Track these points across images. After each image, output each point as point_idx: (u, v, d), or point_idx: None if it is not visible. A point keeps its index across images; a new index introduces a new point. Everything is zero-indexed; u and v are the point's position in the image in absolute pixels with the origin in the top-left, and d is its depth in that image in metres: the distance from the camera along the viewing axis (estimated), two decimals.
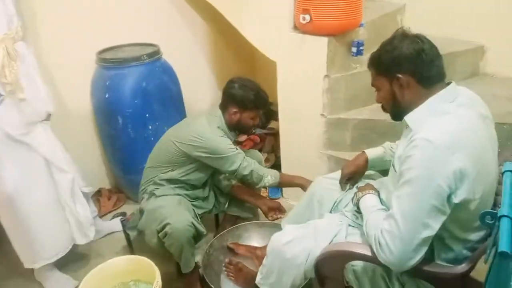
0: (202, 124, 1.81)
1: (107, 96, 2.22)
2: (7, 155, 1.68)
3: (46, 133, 1.82)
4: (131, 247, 2.06)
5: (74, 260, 2.10)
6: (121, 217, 2.34)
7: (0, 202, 1.73)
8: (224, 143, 1.79)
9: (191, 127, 1.83)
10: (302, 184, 1.89)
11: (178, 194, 1.85)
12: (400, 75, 1.18)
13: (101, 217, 2.39)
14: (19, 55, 1.65)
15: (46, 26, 2.14)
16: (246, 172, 1.83)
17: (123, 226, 2.02)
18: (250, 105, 1.82)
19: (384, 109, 1.33)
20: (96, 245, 2.20)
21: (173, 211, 1.73)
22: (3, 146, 1.66)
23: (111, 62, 2.22)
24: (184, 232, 1.67)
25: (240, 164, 1.81)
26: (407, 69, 1.17)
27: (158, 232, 1.71)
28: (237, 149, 1.84)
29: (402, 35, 1.21)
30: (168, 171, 1.87)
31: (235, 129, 1.92)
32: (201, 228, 1.76)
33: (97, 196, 2.57)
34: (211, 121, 1.83)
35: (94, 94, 2.33)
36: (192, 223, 1.70)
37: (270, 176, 1.88)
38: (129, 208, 2.49)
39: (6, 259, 2.09)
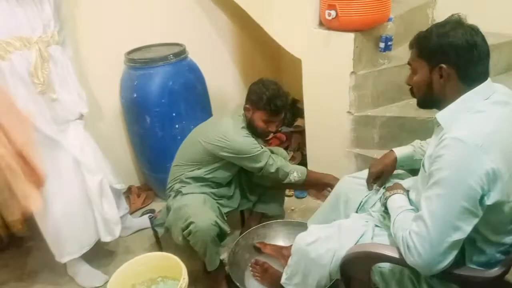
0: (227, 124, 1.82)
1: (135, 95, 2.26)
2: (37, 152, 1.73)
3: (78, 132, 1.87)
4: (159, 244, 2.09)
5: (105, 255, 2.16)
6: (149, 214, 2.39)
7: None
8: (248, 142, 1.79)
9: (217, 127, 1.84)
10: (330, 183, 1.86)
11: (204, 193, 1.86)
12: (443, 66, 1.10)
13: (130, 214, 2.44)
14: (53, 58, 1.71)
15: (76, 28, 2.20)
16: (272, 170, 1.83)
17: (152, 223, 2.06)
18: (260, 104, 1.78)
19: (412, 93, 1.25)
20: (125, 242, 2.25)
21: (198, 210, 1.74)
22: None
23: (138, 62, 2.26)
24: (208, 231, 1.68)
25: (266, 162, 1.82)
26: (453, 61, 1.09)
27: (183, 230, 1.72)
28: (262, 147, 1.83)
29: (457, 22, 1.11)
30: (194, 170, 1.88)
31: (251, 129, 1.87)
32: (226, 227, 1.77)
33: (127, 193, 2.62)
34: (236, 121, 1.84)
35: (122, 94, 2.38)
36: (216, 222, 1.70)
37: (296, 173, 1.88)
38: (157, 206, 2.54)
39: (40, 254, 2.17)
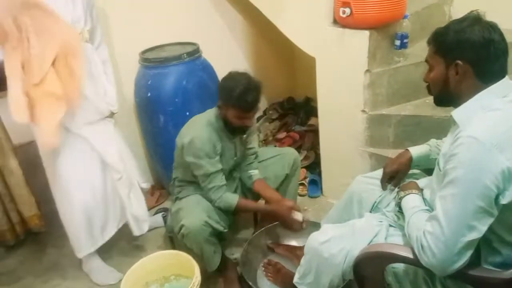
0: (195, 121, 1.81)
1: (149, 95, 2.28)
2: (64, 148, 1.76)
3: (106, 130, 1.90)
4: (173, 242, 2.11)
5: (119, 253, 2.19)
6: (163, 212, 2.41)
7: (56, 190, 1.85)
8: (199, 146, 1.72)
9: (187, 125, 1.83)
10: (279, 215, 1.80)
11: (199, 194, 1.85)
12: (459, 62, 1.09)
13: None
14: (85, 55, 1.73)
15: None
16: (206, 185, 1.78)
17: (165, 222, 2.07)
18: (232, 102, 1.66)
19: (429, 90, 1.24)
20: (139, 240, 2.27)
21: (189, 212, 1.74)
22: (62, 139, 1.73)
23: (152, 61, 2.28)
24: (199, 232, 1.67)
25: (205, 174, 1.76)
26: (469, 57, 1.08)
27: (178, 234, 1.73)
28: (213, 162, 1.76)
29: (475, 19, 1.10)
30: (185, 170, 1.87)
31: (226, 125, 1.79)
32: (219, 226, 1.74)
33: None
34: (204, 119, 1.79)
35: (137, 93, 2.40)
36: (207, 222, 1.68)
37: (223, 204, 1.79)
38: (170, 204, 2.55)
39: (56, 250, 2.21)
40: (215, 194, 1.79)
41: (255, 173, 1.98)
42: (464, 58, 1.09)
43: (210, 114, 1.83)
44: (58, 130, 1.65)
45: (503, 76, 1.10)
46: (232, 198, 1.80)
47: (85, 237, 1.90)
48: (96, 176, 1.86)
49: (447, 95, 1.16)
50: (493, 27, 1.08)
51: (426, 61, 1.22)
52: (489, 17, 1.14)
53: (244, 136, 1.92)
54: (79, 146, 1.80)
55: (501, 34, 1.08)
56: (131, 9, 2.35)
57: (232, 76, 1.72)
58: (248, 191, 2.02)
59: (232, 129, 1.80)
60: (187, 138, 1.73)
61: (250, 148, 2.00)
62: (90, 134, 1.81)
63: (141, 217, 2.02)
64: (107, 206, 1.93)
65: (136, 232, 2.02)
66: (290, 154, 2.07)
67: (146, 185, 2.13)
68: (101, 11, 2.21)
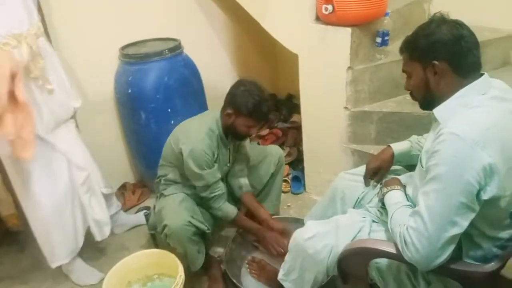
0: (195, 128, 1.77)
1: (130, 91, 2.24)
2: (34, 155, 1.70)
3: (70, 132, 1.84)
4: (155, 240, 2.08)
5: (100, 253, 2.15)
6: (145, 211, 2.38)
7: (25, 201, 1.78)
8: (201, 158, 1.70)
9: (185, 129, 1.80)
10: (263, 237, 1.83)
11: (184, 193, 1.84)
12: (436, 62, 1.12)
13: (125, 211, 2.43)
14: (42, 51, 1.67)
15: (70, 23, 2.17)
16: (208, 195, 1.78)
17: (147, 220, 2.05)
18: (245, 112, 1.67)
19: (413, 97, 1.27)
20: (121, 239, 2.24)
21: (171, 211, 1.73)
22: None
23: (133, 57, 2.24)
24: (182, 232, 1.66)
25: (206, 184, 1.75)
26: (444, 56, 1.11)
27: (161, 233, 1.72)
28: (213, 171, 1.75)
29: (441, 20, 1.14)
30: (174, 170, 1.86)
31: (229, 132, 1.79)
32: (202, 225, 1.74)
33: (122, 190, 2.61)
34: (204, 126, 1.76)
35: (117, 90, 2.36)
36: (190, 222, 1.68)
37: (221, 212, 1.82)
38: (153, 202, 2.48)
39: (35, 251, 2.15)
40: (216, 203, 1.79)
41: (245, 183, 1.98)
42: (439, 58, 1.12)
43: (210, 119, 1.80)
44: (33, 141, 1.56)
45: (479, 69, 1.13)
46: (232, 212, 1.83)
47: (57, 247, 1.84)
48: (64, 182, 1.79)
49: (431, 97, 1.18)
50: (459, 24, 1.13)
51: (404, 70, 1.25)
52: (466, 16, 1.17)
53: (241, 142, 1.93)
54: (45, 152, 1.72)
55: (468, 29, 1.12)
56: (111, 2, 2.29)
57: (244, 85, 1.71)
58: (235, 199, 2.02)
59: (235, 136, 1.80)
60: (187, 146, 1.70)
61: (243, 154, 2.00)
62: (55, 139, 1.75)
63: (102, 222, 1.95)
64: (78, 212, 1.87)
65: (98, 237, 1.95)
66: (275, 153, 2.08)
67: (106, 190, 2.05)
68: (77, 2, 2.16)
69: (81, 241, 1.92)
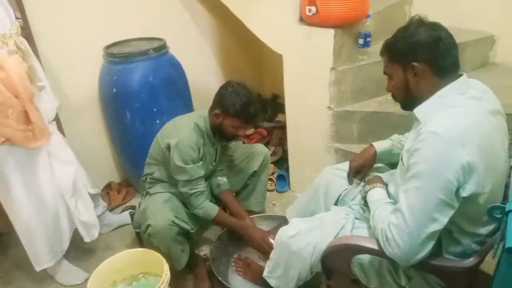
0: (182, 125, 1.78)
1: (114, 90, 2.23)
2: (13, 159, 1.65)
3: (54, 132, 1.82)
4: (141, 240, 2.08)
5: (85, 253, 2.13)
6: (130, 210, 2.37)
7: (7, 205, 1.75)
8: (187, 153, 1.71)
9: (173, 126, 1.81)
10: (248, 235, 1.83)
11: (170, 192, 1.84)
12: (415, 63, 1.15)
13: (111, 210, 2.41)
14: (25, 49, 1.64)
15: (53, 21, 2.15)
16: (187, 191, 1.77)
17: (132, 219, 2.04)
18: (233, 113, 1.69)
19: (394, 98, 1.30)
20: (106, 238, 2.23)
21: (155, 211, 1.73)
22: (8, 152, 1.63)
23: (118, 57, 2.23)
24: (165, 231, 1.67)
25: (189, 180, 1.75)
26: (423, 57, 1.14)
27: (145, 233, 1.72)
28: (197, 169, 1.75)
29: (419, 22, 1.18)
30: (160, 169, 1.86)
31: (216, 132, 1.81)
32: (186, 225, 1.74)
33: (107, 190, 2.59)
34: (191, 123, 1.77)
35: (102, 89, 2.34)
36: (174, 221, 1.68)
37: (202, 211, 1.80)
38: (138, 202, 2.50)
39: (18, 251, 2.12)
40: (197, 200, 1.78)
41: (223, 181, 1.98)
42: (419, 59, 1.15)
43: (198, 117, 1.81)
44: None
45: (458, 69, 1.17)
46: (213, 209, 1.81)
47: (42, 248, 1.82)
48: (46, 184, 1.76)
49: (411, 98, 1.21)
50: (437, 26, 1.16)
51: (385, 72, 1.28)
52: (446, 18, 1.20)
53: (228, 143, 1.93)
54: (26, 157, 1.68)
55: (446, 31, 1.16)
56: (95, 0, 2.27)
57: (233, 86, 1.73)
58: (213, 198, 2.01)
59: (223, 136, 1.81)
60: (174, 140, 1.71)
61: (229, 155, 2.01)
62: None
63: (89, 223, 1.94)
64: (60, 216, 1.84)
65: (86, 238, 1.94)
66: (260, 152, 2.09)
67: (93, 191, 2.04)
68: (61, 1, 2.14)
69: (66, 244, 1.91)
